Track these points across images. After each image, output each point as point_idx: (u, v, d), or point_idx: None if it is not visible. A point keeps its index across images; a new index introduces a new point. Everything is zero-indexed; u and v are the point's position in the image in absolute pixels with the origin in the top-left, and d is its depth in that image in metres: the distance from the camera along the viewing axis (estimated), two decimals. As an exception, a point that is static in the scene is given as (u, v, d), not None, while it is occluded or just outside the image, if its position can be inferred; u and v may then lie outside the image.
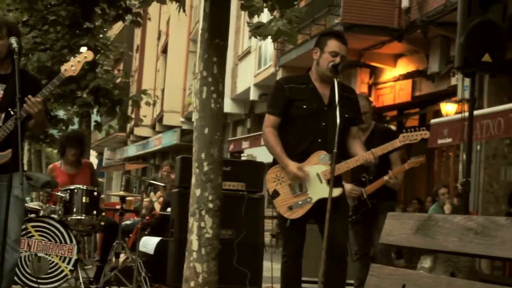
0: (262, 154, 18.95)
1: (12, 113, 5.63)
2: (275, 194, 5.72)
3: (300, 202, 5.65)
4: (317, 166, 5.66)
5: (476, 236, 2.87)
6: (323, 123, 5.67)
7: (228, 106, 23.91)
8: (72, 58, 5.92)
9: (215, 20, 6.70)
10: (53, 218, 7.44)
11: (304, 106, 5.71)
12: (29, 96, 5.57)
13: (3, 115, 5.73)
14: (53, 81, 5.81)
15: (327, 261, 5.40)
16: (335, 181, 5.53)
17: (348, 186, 6.85)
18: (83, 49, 6.09)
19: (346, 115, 5.59)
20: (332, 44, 5.75)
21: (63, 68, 5.88)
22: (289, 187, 5.69)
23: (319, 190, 5.64)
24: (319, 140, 5.67)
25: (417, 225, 3.28)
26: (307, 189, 5.66)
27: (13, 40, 5.71)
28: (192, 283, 6.40)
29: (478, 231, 2.86)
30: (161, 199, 10.39)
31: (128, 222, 10.27)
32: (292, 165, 5.62)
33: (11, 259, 5.65)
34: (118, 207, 10.07)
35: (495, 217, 2.86)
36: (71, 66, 5.86)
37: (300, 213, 5.64)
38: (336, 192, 5.55)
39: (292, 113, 5.75)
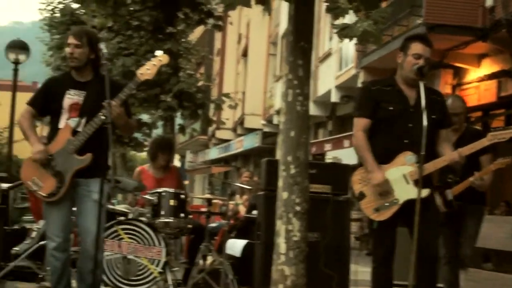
0: (346, 156, 18.83)
1: (99, 115, 5.76)
2: (361, 196, 5.68)
3: (386, 204, 5.59)
4: (403, 167, 5.60)
5: None
6: (410, 125, 5.62)
7: (310, 109, 23.84)
8: (148, 62, 6.01)
9: (300, 23, 6.70)
10: (141, 221, 7.53)
11: (391, 108, 5.68)
12: (107, 100, 5.68)
13: (83, 121, 5.87)
14: (129, 85, 5.92)
15: (418, 265, 5.33)
16: (423, 181, 5.47)
17: None
18: (158, 52, 6.14)
19: (433, 117, 5.52)
20: (415, 47, 5.70)
21: (139, 72, 5.98)
22: (375, 188, 5.64)
23: (406, 191, 5.57)
24: (406, 141, 5.61)
25: (514, 228, 3.21)
26: (394, 191, 5.60)
27: (102, 46, 5.85)
28: (280, 286, 6.41)
29: None
30: (247, 202, 10.43)
31: (213, 224, 10.33)
32: (379, 175, 5.55)
33: (90, 264, 5.74)
34: (203, 209, 10.16)
35: None
36: (147, 70, 5.95)
37: (387, 215, 5.58)
38: (425, 192, 5.49)
39: (378, 115, 5.72)
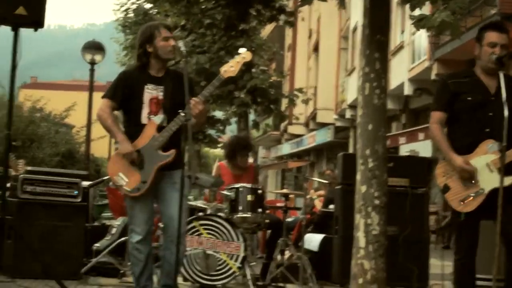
0: (421, 149, 18.59)
1: (182, 113, 5.82)
2: (446, 188, 5.64)
3: (472, 194, 5.54)
4: (486, 156, 5.55)
5: None
6: (490, 113, 5.57)
7: (384, 102, 23.61)
8: (231, 59, 6.10)
9: (376, 16, 6.64)
10: (220, 216, 7.59)
11: (469, 98, 5.65)
12: (193, 98, 5.77)
13: (163, 116, 5.96)
14: (213, 82, 6.01)
15: (506, 257, 5.25)
16: (507, 169, 5.41)
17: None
18: (242, 50, 6.21)
19: None
20: (489, 36, 5.66)
21: (222, 69, 6.07)
22: (460, 180, 5.59)
23: (490, 180, 5.51)
24: (487, 130, 5.57)
25: None
26: (478, 181, 5.54)
27: (181, 43, 5.92)
28: (360, 280, 6.37)
29: None
30: (322, 197, 10.41)
31: (290, 219, 10.34)
32: (458, 159, 5.55)
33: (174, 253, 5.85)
34: (278, 204, 10.18)
35: None
36: (230, 67, 6.04)
37: (473, 205, 5.52)
38: (508, 180, 5.42)
39: (458, 106, 5.68)
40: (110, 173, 6.04)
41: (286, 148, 40.10)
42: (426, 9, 6.91)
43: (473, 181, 5.55)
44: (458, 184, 5.58)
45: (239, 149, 8.66)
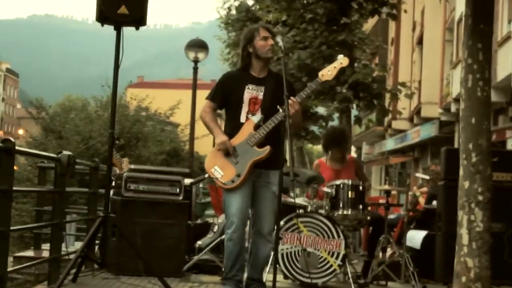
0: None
1: (281, 110, 6.02)
2: None
3: None
4: None
5: None
6: None
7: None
8: (329, 65, 6.29)
9: (479, 5, 6.49)
10: (320, 214, 7.56)
11: None
12: (291, 97, 6.00)
13: (261, 116, 6.20)
14: (310, 84, 6.25)
15: None
16: None
17: None
18: (340, 56, 6.38)
19: None
20: None
21: (320, 73, 6.28)
22: None
23: None
24: None
25: None
26: None
27: (279, 40, 6.11)
28: (463, 279, 6.24)
29: None
30: (425, 194, 10.23)
31: (392, 216, 10.21)
32: None
33: (265, 250, 6.24)
34: (381, 201, 10.05)
35: None
36: (328, 71, 6.25)
37: None
38: None
39: None
40: (207, 166, 6.26)
41: (389, 144, 39.64)
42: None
43: None
44: None
45: (332, 142, 8.61)
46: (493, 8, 6.61)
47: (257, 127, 6.17)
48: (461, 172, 6.43)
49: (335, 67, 6.25)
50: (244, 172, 6.11)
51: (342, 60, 6.32)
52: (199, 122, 7.65)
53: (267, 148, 6.13)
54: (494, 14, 22.79)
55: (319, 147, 45.70)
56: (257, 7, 22.39)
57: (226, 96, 6.30)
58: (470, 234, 6.26)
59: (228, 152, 6.15)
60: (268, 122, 6.11)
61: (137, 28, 6.92)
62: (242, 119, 6.22)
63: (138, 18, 6.80)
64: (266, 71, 6.35)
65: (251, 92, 6.24)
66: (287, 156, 7.42)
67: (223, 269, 7.71)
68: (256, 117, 6.20)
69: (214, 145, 6.28)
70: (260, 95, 6.23)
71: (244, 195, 6.16)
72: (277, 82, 6.20)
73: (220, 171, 6.16)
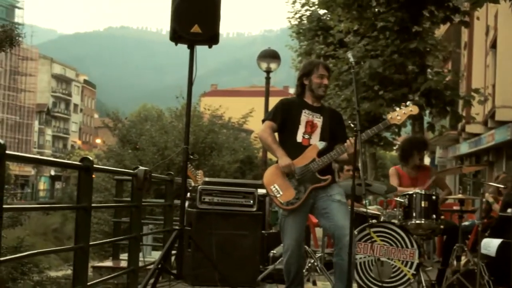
0: None
1: (342, 146, 6.37)
2: None
3: None
4: None
5: None
6: None
7: None
8: (398, 109, 6.54)
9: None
10: (393, 223, 7.60)
11: None
12: (350, 138, 6.32)
13: (325, 143, 6.45)
14: (379, 125, 6.52)
15: None
16: None
17: None
18: (409, 103, 6.63)
19: None
20: None
21: (389, 116, 6.55)
22: None
23: None
24: None
25: None
26: None
27: (350, 55, 6.34)
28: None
29: None
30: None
31: (466, 223, 10.16)
32: None
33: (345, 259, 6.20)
34: (455, 207, 10.00)
35: None
36: (397, 116, 6.51)
37: None
38: None
39: None
40: (266, 182, 6.44)
41: (464, 148, 39.12)
42: None
43: None
44: None
45: (415, 147, 8.66)
46: None
47: (320, 153, 6.40)
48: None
49: (405, 113, 6.51)
50: (303, 197, 6.34)
51: (412, 108, 6.55)
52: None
53: (329, 178, 6.41)
54: None
55: (392, 153, 45.40)
56: (329, 16, 22.45)
57: (285, 117, 6.52)
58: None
59: (289, 174, 6.33)
60: (333, 152, 6.38)
61: (210, 47, 7.10)
62: (299, 139, 6.45)
63: (210, 37, 6.98)
64: (320, 103, 6.65)
65: (307, 115, 6.49)
66: (359, 165, 7.57)
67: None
68: (321, 144, 6.42)
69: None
70: (316, 120, 6.49)
71: (301, 220, 6.41)
72: (333, 116, 6.60)
73: (280, 190, 6.34)
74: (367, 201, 10.66)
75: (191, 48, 7.01)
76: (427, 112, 17.22)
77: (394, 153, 38.97)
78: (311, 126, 6.46)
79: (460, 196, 8.49)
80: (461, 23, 17.25)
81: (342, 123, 6.70)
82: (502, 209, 9.57)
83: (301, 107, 6.53)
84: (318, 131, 6.47)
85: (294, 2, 28.59)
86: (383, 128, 6.59)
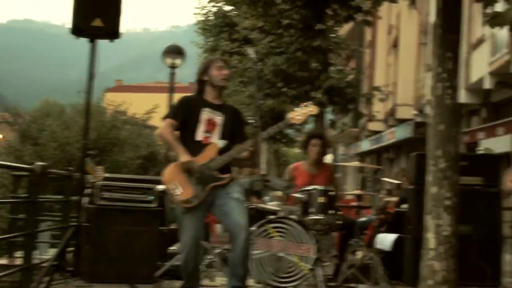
0: (500, 144, 18.18)
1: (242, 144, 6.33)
2: None
3: None
4: None
5: None
6: None
7: (462, 96, 23.29)
8: (299, 108, 6.62)
9: (448, 16, 6.61)
10: (291, 219, 7.66)
11: None
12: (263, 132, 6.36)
13: (225, 141, 6.47)
14: (279, 124, 6.60)
15: None
16: None
17: None
18: (310, 103, 6.71)
19: None
20: None
21: (289, 115, 6.60)
22: None
23: None
24: None
25: None
26: None
27: (251, 51, 6.39)
28: (430, 282, 6.35)
29: None
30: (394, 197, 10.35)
31: (363, 219, 10.33)
32: None
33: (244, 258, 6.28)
34: (353, 204, 10.17)
35: None
36: (297, 115, 6.59)
37: None
38: None
39: None
40: (166, 180, 6.43)
41: (365, 145, 39.88)
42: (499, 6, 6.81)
43: None
44: None
45: (311, 137, 8.81)
46: (461, 18, 6.72)
47: (220, 152, 6.41)
48: (429, 177, 6.54)
49: (304, 112, 6.59)
50: (202, 195, 6.34)
51: (311, 108, 6.64)
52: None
53: (228, 176, 6.42)
54: (468, 18, 22.99)
55: (294, 150, 45.84)
56: (235, 13, 22.51)
57: (185, 116, 6.51)
58: (437, 238, 6.37)
59: (189, 171, 6.33)
60: (233, 151, 6.42)
61: (111, 41, 7.02)
62: (199, 137, 6.47)
63: (112, 31, 6.90)
64: (221, 100, 6.66)
65: (207, 114, 6.51)
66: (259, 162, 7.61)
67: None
68: (221, 142, 6.44)
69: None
70: (216, 118, 6.52)
71: (199, 218, 6.40)
72: (232, 114, 6.62)
73: (179, 187, 6.34)
74: (268, 197, 10.73)
75: (92, 42, 6.91)
76: (329, 109, 17.46)
77: (297, 150, 39.36)
78: (211, 124, 6.49)
79: (357, 192, 8.63)
80: (363, 22, 17.56)
81: (242, 121, 6.74)
82: (398, 205, 9.79)
83: (201, 105, 6.53)
84: (218, 130, 6.50)
85: (201, -3, 28.59)
86: (283, 127, 6.67)
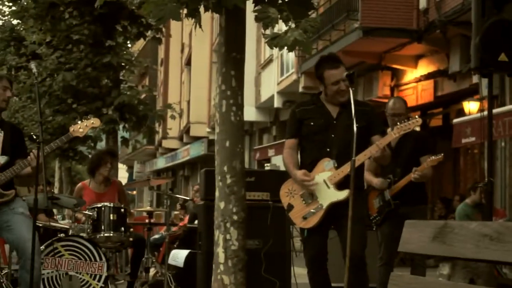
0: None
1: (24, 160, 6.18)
2: (290, 207, 5.90)
3: (312, 210, 5.80)
4: (323, 173, 5.80)
5: (491, 242, 2.86)
6: (332, 135, 5.78)
7: (253, 115, 23.96)
8: (80, 122, 6.68)
9: (231, 34, 6.75)
10: (81, 237, 7.54)
11: (312, 123, 5.84)
12: (33, 150, 6.12)
13: (7, 157, 6.31)
14: (62, 138, 6.60)
15: (349, 269, 5.44)
16: (341, 184, 5.69)
17: (374, 180, 7.06)
18: (91, 116, 6.83)
19: (357, 125, 5.52)
20: (330, 75, 5.86)
21: (71, 128, 6.63)
22: (301, 198, 5.85)
23: (328, 196, 5.77)
24: (328, 150, 5.79)
25: (434, 232, 3.27)
26: (317, 197, 5.80)
27: (33, 65, 6.16)
28: (220, 295, 6.45)
29: (494, 237, 2.86)
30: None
31: (157, 236, 10.37)
32: (298, 172, 5.79)
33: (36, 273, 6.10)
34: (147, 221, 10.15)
35: (510, 223, 2.87)
36: (79, 129, 6.63)
37: (314, 221, 5.76)
38: (342, 195, 5.64)
39: (303, 131, 5.94)
40: None
41: (161, 162, 40.01)
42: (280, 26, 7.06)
43: (313, 198, 5.78)
44: (300, 202, 5.84)
45: (104, 156, 8.71)
46: (245, 37, 6.89)
47: (2, 168, 6.23)
48: (216, 193, 6.64)
49: (86, 125, 6.64)
50: None
51: (93, 121, 6.72)
52: None
53: (12, 192, 6.27)
54: (257, 38, 23.69)
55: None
56: (22, 27, 21.89)
57: None
58: (226, 252, 6.48)
59: None
60: (16, 166, 6.22)
61: None
62: None
63: None
64: (0, 118, 6.49)
65: None
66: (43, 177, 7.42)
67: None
68: (2, 158, 6.28)
69: None
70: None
71: None
72: (12, 129, 6.47)
73: None
74: (60, 216, 10.48)
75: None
76: (121, 126, 17.38)
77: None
78: None
79: (148, 208, 8.64)
80: (154, 39, 17.66)
81: (23, 138, 6.64)
82: (190, 221, 9.89)
83: None
84: None
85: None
86: (66, 141, 6.66)
